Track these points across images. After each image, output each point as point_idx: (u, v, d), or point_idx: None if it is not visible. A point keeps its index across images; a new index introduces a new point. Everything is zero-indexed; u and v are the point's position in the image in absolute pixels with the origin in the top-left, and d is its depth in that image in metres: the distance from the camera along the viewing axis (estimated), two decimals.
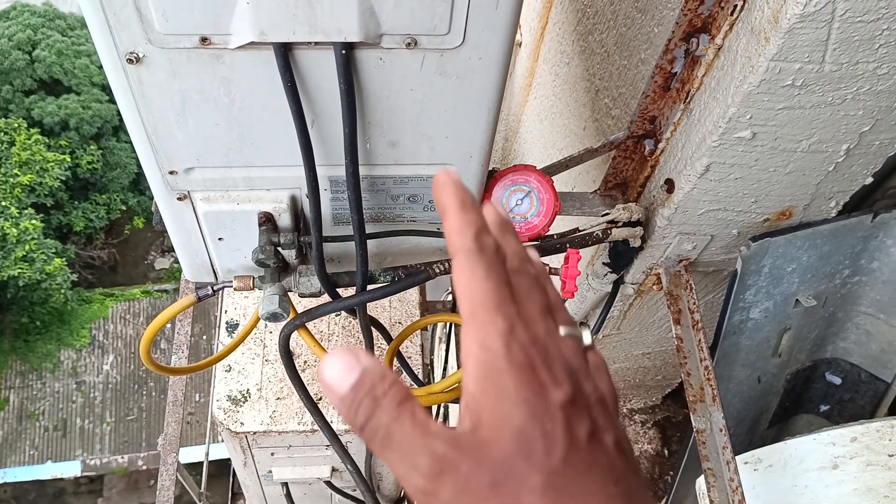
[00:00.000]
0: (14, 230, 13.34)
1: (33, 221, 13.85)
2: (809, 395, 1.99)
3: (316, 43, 0.94)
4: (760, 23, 1.10)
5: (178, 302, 1.31)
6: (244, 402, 1.96)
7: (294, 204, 1.21)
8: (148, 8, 0.87)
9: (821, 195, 1.46)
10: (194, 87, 0.99)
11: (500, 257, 0.51)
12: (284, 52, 0.94)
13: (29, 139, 14.31)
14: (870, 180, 1.44)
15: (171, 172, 1.12)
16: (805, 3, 1.02)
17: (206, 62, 0.95)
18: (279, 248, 1.24)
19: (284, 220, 1.22)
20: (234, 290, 1.29)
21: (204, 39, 0.92)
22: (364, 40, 0.94)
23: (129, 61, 0.93)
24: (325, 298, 1.35)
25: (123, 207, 16.16)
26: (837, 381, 1.93)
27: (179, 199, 1.17)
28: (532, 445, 0.45)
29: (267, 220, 1.21)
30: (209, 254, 1.31)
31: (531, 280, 0.52)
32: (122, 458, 14.80)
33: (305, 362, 2.03)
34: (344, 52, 0.95)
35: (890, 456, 1.37)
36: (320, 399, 1.97)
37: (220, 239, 1.26)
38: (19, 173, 14.06)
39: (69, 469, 14.68)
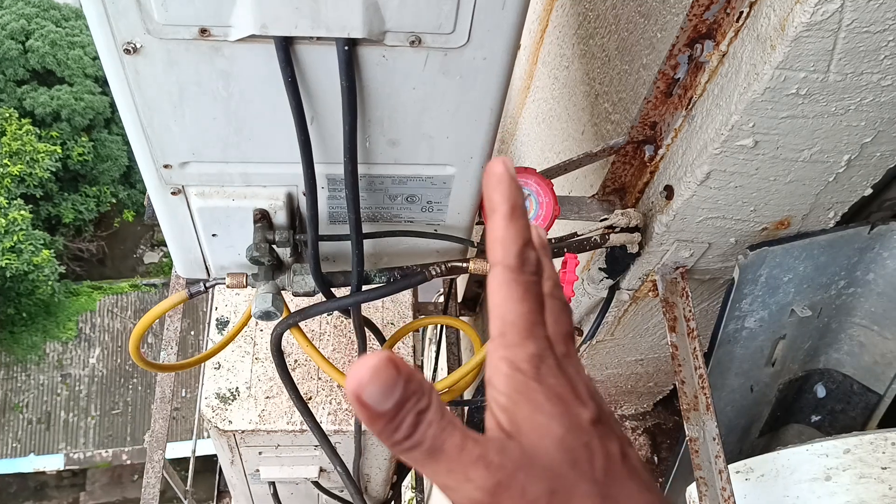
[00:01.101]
0: (2, 220, 13.24)
1: (22, 212, 13.74)
2: (801, 404, 1.99)
3: (318, 38, 0.93)
4: (766, 30, 1.09)
5: (168, 298, 1.29)
6: (233, 401, 1.94)
7: (290, 201, 1.20)
8: None
9: (820, 205, 1.45)
10: (192, 80, 0.97)
11: (539, 276, 0.50)
12: (286, 47, 0.93)
13: (20, 129, 14.20)
14: (869, 192, 1.43)
15: (166, 166, 1.10)
16: (812, 11, 1.01)
17: (204, 54, 0.94)
18: (274, 246, 1.22)
19: (280, 218, 1.21)
20: (227, 287, 1.28)
21: (203, 31, 0.90)
22: (367, 37, 0.92)
23: (127, 51, 0.91)
24: (319, 298, 1.33)
25: (114, 200, 16.06)
26: (822, 392, 1.92)
27: (173, 193, 1.15)
28: (576, 455, 0.46)
29: (262, 218, 1.19)
30: (202, 250, 1.29)
31: (562, 305, 0.52)
32: (106, 452, 14.71)
33: (296, 361, 2.01)
34: (346, 48, 0.93)
35: (883, 469, 1.36)
36: (310, 398, 1.95)
37: (213, 235, 1.24)
38: (9, 163, 13.96)
39: (52, 462, 14.57)
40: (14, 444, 14.64)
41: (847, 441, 1.42)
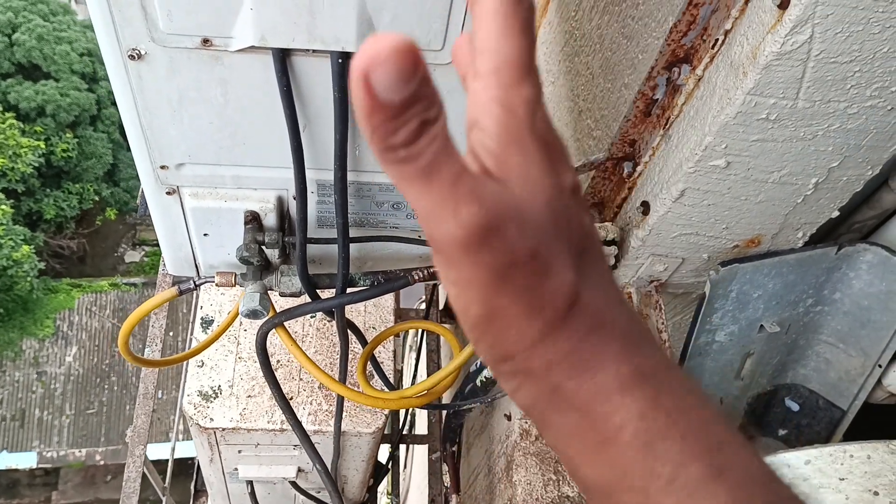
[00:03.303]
0: None
1: (3, 207, 13.65)
2: (769, 418, 2.04)
3: (314, 50, 0.98)
4: (739, 57, 1.15)
5: (159, 294, 1.33)
6: (215, 398, 1.97)
7: (280, 204, 1.24)
8: (153, 7, 0.90)
9: (789, 225, 1.51)
10: (192, 86, 1.01)
11: (533, 13, 0.43)
12: (283, 58, 0.97)
13: (3, 123, 14.13)
14: (836, 214, 1.50)
15: (163, 167, 1.14)
16: (783, 41, 1.07)
17: (205, 62, 0.98)
18: (263, 247, 1.27)
19: (270, 220, 1.25)
20: (216, 285, 1.32)
21: (206, 41, 0.94)
22: None
23: (131, 57, 0.95)
24: (305, 299, 1.37)
25: (96, 198, 15.99)
26: (795, 406, 1.98)
27: (168, 193, 1.19)
28: (559, 220, 0.43)
29: (253, 219, 1.23)
30: (193, 248, 1.33)
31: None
32: (80, 451, 14.59)
33: (279, 361, 2.04)
34: (340, 60, 0.98)
35: (841, 479, 1.42)
36: (291, 398, 1.99)
37: (205, 235, 1.28)
38: None
39: (25, 460, 14.43)
40: None
41: (808, 452, 1.48)
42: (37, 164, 14.54)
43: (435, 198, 0.39)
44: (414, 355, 4.20)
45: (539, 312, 0.42)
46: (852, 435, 1.84)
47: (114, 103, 15.31)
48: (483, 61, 0.42)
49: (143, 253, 17.03)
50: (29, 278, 14.31)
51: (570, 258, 0.43)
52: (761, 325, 1.71)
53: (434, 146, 0.38)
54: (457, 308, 0.43)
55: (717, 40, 1.21)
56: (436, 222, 0.40)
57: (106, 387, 15.27)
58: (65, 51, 15.10)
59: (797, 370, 1.92)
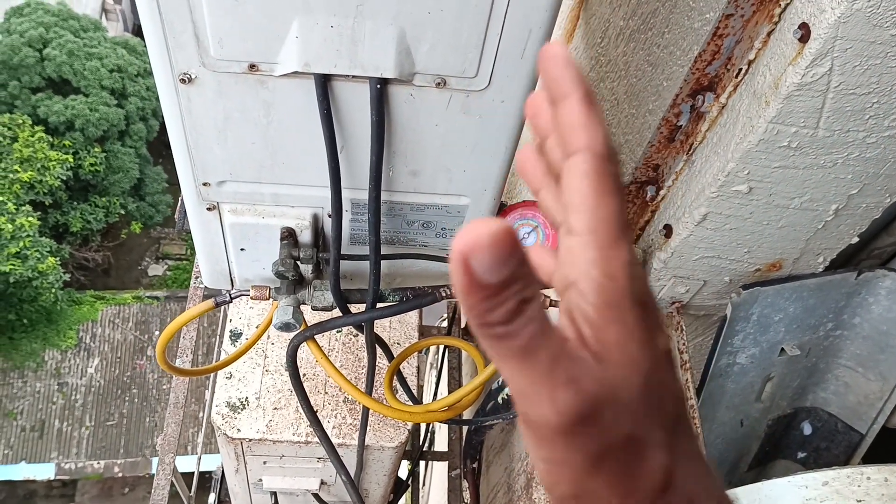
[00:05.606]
0: (9, 226, 13.33)
1: (30, 219, 13.84)
2: (788, 441, 2.06)
3: (354, 76, 1.03)
4: (762, 87, 1.19)
5: (197, 306, 1.38)
6: (242, 410, 2.02)
7: (316, 222, 1.29)
8: (206, 35, 0.95)
9: (810, 251, 1.54)
10: (237, 108, 1.07)
11: (620, 174, 0.43)
12: (324, 83, 1.03)
13: (32, 136, 14.36)
14: (856, 240, 1.52)
15: (205, 184, 1.20)
16: (803, 73, 1.11)
17: (251, 86, 1.04)
18: (298, 262, 1.32)
19: (305, 237, 1.30)
20: (251, 298, 1.36)
21: (252, 66, 1.00)
22: (398, 77, 1.02)
23: (182, 81, 1.01)
24: (335, 313, 1.42)
25: (122, 212, 16.15)
26: (809, 429, 2.00)
27: (209, 209, 1.25)
28: (653, 396, 0.42)
29: (289, 235, 1.28)
30: (229, 263, 1.38)
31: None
32: (98, 463, 14.67)
33: (304, 375, 2.09)
34: (378, 86, 1.03)
35: (858, 501, 1.43)
36: (316, 411, 2.03)
37: (242, 249, 1.33)
38: (20, 170, 14.09)
39: (43, 471, 14.52)
40: (6, 451, 14.60)
41: (826, 474, 1.50)
42: (64, 178, 14.74)
43: (531, 379, 0.39)
44: (434, 372, 4.24)
45: (631, 495, 0.42)
46: (870, 459, 1.85)
47: (142, 119, 15.56)
48: (578, 219, 0.42)
49: (166, 266, 17.20)
50: (53, 290, 14.46)
51: (664, 436, 0.43)
52: (782, 349, 1.74)
53: (531, 327, 0.38)
54: (544, 482, 0.44)
55: (740, 70, 1.25)
56: (531, 404, 0.40)
57: (126, 399, 15.37)
58: (95, 66, 15.35)
59: (817, 393, 1.93)
